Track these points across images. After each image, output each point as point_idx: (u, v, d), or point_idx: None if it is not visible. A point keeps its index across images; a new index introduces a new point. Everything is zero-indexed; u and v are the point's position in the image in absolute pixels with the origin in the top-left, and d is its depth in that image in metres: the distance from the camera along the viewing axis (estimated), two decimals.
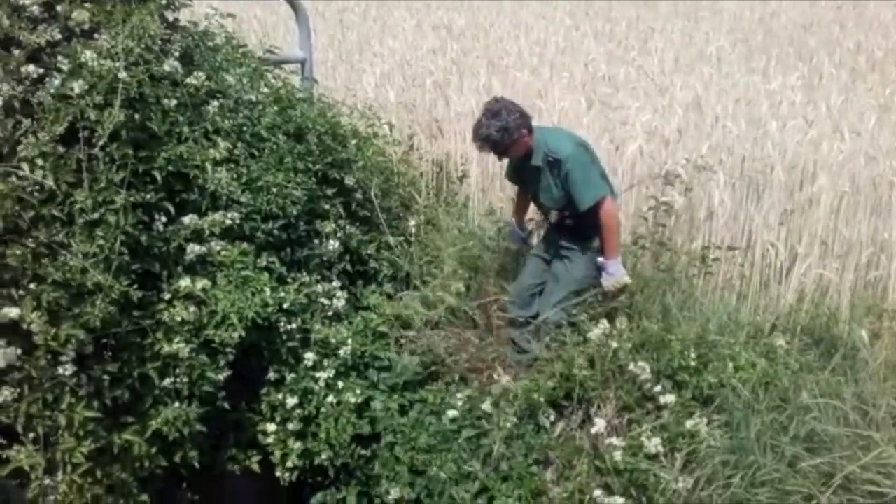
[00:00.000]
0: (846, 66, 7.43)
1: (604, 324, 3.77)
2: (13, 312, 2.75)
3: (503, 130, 3.52)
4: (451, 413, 3.83)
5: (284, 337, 3.77)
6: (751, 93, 5.99)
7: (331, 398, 3.78)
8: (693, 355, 3.64)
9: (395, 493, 3.68)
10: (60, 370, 2.89)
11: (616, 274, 3.74)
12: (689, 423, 3.45)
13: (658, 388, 3.59)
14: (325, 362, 3.82)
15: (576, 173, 3.56)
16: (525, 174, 3.86)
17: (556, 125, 4.38)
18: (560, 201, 3.75)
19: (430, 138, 5.53)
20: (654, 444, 3.41)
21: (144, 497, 3.21)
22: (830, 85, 6.31)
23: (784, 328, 4.01)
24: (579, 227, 3.80)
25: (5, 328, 2.77)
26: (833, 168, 4.40)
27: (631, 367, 3.60)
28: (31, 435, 2.86)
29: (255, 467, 3.79)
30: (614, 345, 3.67)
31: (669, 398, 3.55)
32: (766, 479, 3.10)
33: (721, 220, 4.41)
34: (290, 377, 3.80)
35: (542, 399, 3.71)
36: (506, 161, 3.98)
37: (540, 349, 3.91)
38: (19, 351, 2.79)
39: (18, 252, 2.86)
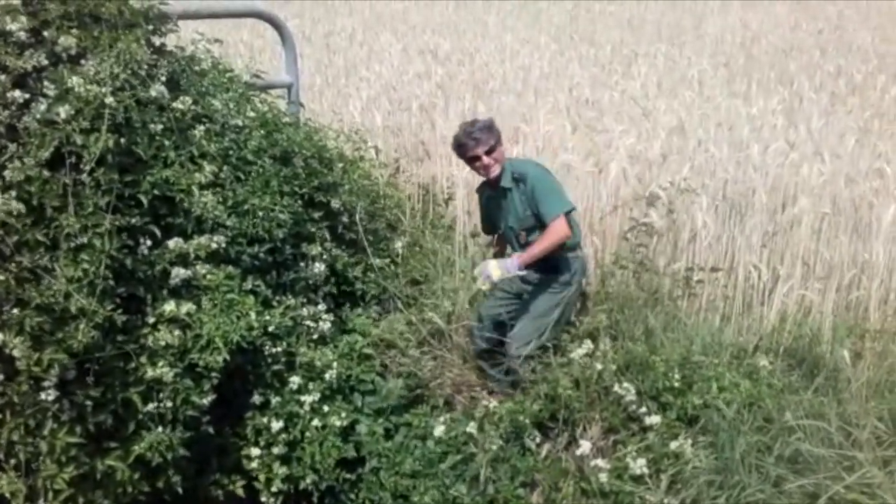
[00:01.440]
0: (826, 89, 7.56)
1: (587, 344, 3.78)
2: None
3: (486, 129, 3.80)
4: (437, 433, 3.82)
5: (269, 360, 3.75)
6: (732, 116, 6.07)
7: (316, 422, 3.75)
8: (677, 376, 3.66)
9: None
10: (43, 395, 2.86)
11: (501, 269, 3.76)
12: (673, 444, 3.47)
13: (643, 410, 3.61)
14: (311, 385, 3.80)
15: (540, 186, 3.75)
16: (494, 206, 4.05)
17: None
18: (525, 221, 3.89)
19: (416, 161, 5.57)
20: (639, 466, 3.42)
21: None
22: (811, 108, 6.41)
23: (767, 349, 4.05)
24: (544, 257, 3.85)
25: None
26: (814, 190, 4.46)
27: (616, 388, 3.62)
28: (13, 461, 2.83)
29: (240, 492, 3.75)
30: (598, 366, 3.68)
31: (654, 419, 3.56)
32: (751, 500, 3.11)
33: (704, 241, 4.46)
34: (275, 401, 3.77)
35: (527, 421, 3.71)
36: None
37: (522, 373, 3.91)
38: (1, 376, 2.77)
39: (1, 277, 2.84)
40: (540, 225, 3.81)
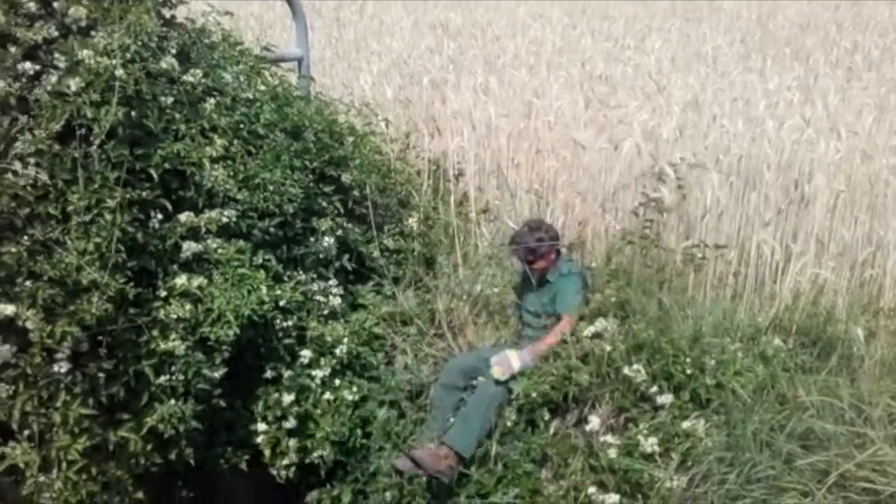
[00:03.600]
0: (843, 65, 7.43)
1: (599, 323, 3.76)
2: (8, 310, 2.75)
3: (540, 241, 3.94)
4: None
5: (280, 334, 3.77)
6: (748, 92, 5.98)
7: (327, 395, 3.77)
8: (689, 360, 3.63)
9: (390, 494, 3.68)
10: (56, 367, 2.89)
11: (520, 361, 3.80)
12: (685, 424, 3.45)
13: (654, 390, 3.58)
14: (322, 360, 3.81)
15: (566, 286, 3.96)
16: (529, 289, 4.10)
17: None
18: (545, 306, 4.01)
19: (427, 136, 5.51)
20: (650, 444, 3.41)
21: (139, 494, 3.21)
22: (827, 84, 6.30)
23: (779, 327, 4.01)
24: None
25: (0, 325, 2.76)
26: (830, 167, 4.40)
27: (626, 370, 3.59)
28: (26, 432, 2.86)
29: (244, 466, 3.80)
30: (607, 347, 3.66)
31: (666, 398, 3.54)
32: (761, 476, 3.11)
33: (716, 218, 4.41)
34: (286, 374, 3.79)
35: (539, 400, 3.70)
36: None
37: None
38: (14, 348, 2.79)
39: (14, 250, 2.85)
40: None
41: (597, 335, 3.75)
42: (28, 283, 2.88)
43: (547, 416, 3.74)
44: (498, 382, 3.75)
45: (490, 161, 5.05)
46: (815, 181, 4.29)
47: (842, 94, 5.79)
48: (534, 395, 3.67)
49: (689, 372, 3.58)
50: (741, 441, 3.23)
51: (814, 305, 4.03)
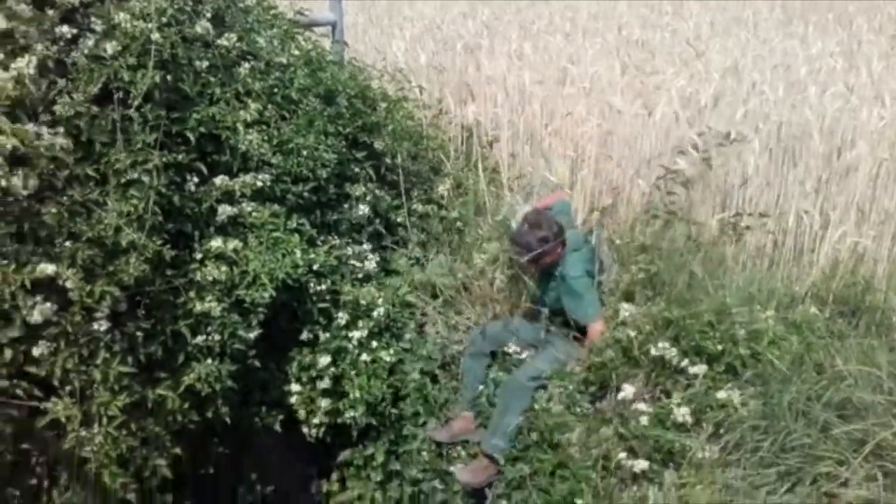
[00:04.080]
0: (886, 32, 7.21)
1: (624, 309, 3.72)
2: (49, 269, 2.79)
3: (543, 241, 3.69)
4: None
5: (314, 298, 3.80)
6: (789, 58, 5.84)
7: (364, 356, 3.82)
8: (718, 332, 3.59)
9: (424, 455, 3.72)
10: (95, 326, 2.94)
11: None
12: (719, 394, 3.43)
13: (685, 363, 3.55)
14: (360, 322, 3.85)
15: (573, 290, 3.75)
16: (543, 278, 3.97)
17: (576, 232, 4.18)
18: (557, 304, 3.87)
19: (459, 103, 5.48)
20: (682, 413, 3.39)
21: (177, 450, 3.27)
22: (871, 51, 6.13)
23: (816, 296, 3.95)
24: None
25: (41, 284, 2.82)
26: (873, 135, 4.30)
27: (652, 351, 3.56)
28: (68, 388, 2.91)
29: (278, 426, 3.86)
30: (631, 333, 3.64)
31: (699, 369, 3.51)
32: (796, 445, 3.09)
33: (754, 187, 4.34)
34: (323, 336, 3.84)
35: (571, 387, 3.70)
36: None
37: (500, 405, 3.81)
38: (55, 307, 2.84)
39: (54, 210, 2.89)
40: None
41: (622, 323, 3.72)
42: (68, 243, 2.92)
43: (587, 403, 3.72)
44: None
45: (524, 128, 5.01)
46: (857, 149, 4.19)
47: (886, 60, 5.63)
48: (571, 387, 3.67)
49: (720, 346, 3.54)
50: (777, 410, 3.20)
51: (852, 274, 3.96)
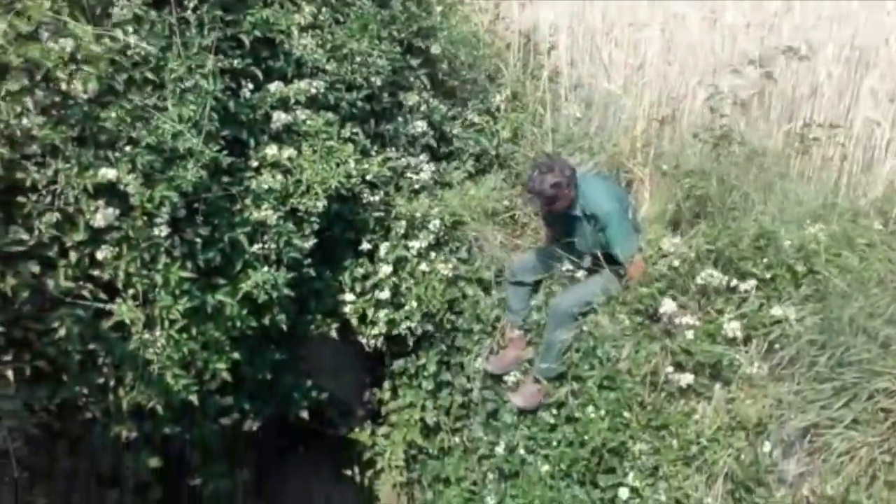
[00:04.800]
0: None
1: (666, 242, 3.62)
2: (110, 174, 2.81)
3: (556, 187, 3.56)
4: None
5: (368, 208, 3.78)
6: None
7: (423, 267, 3.82)
8: (770, 250, 3.48)
9: (477, 363, 3.76)
10: (156, 231, 2.98)
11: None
12: (775, 310, 3.36)
13: (735, 282, 3.47)
14: (420, 234, 3.85)
15: (613, 231, 3.61)
16: (559, 219, 3.80)
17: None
18: (595, 247, 3.72)
19: (518, 6, 5.24)
20: (732, 328, 3.34)
21: (236, 354, 3.35)
22: None
23: (881, 211, 3.80)
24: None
25: (103, 189, 2.85)
26: None
27: (698, 279, 3.47)
28: (131, 292, 2.98)
29: (334, 334, 3.93)
30: (675, 262, 3.54)
31: (749, 284, 3.43)
32: (853, 360, 3.05)
33: (824, 98, 4.13)
34: (383, 246, 3.85)
35: (619, 309, 3.65)
36: None
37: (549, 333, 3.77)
38: (117, 212, 2.88)
39: (113, 115, 2.89)
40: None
41: (664, 255, 3.62)
42: (128, 148, 2.94)
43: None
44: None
45: (584, 34, 4.80)
46: None
47: None
48: (622, 315, 3.62)
49: (767, 272, 3.44)
50: (836, 325, 3.14)
51: None
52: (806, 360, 3.22)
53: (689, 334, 3.38)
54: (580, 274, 3.82)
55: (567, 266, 3.81)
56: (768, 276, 3.43)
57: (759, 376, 3.30)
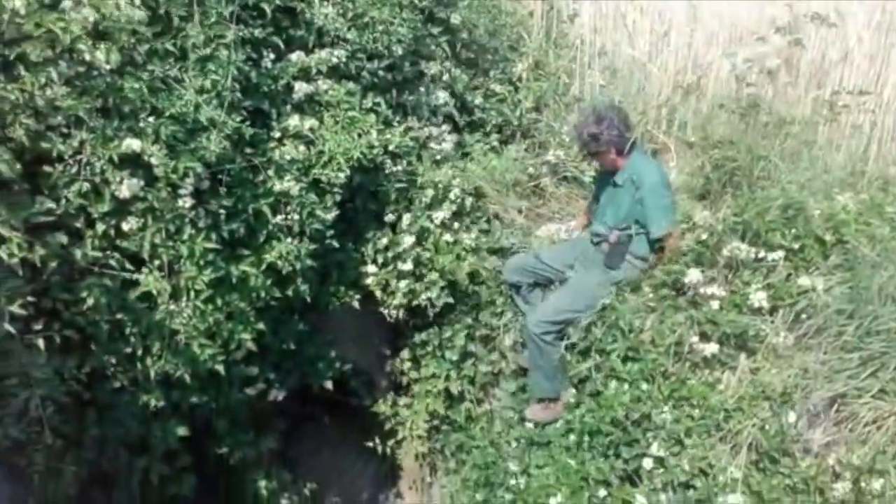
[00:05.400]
0: None
1: (697, 213, 3.57)
2: (135, 144, 2.82)
3: (592, 138, 3.51)
4: None
5: (391, 178, 3.77)
6: None
7: (447, 237, 3.82)
8: (798, 220, 3.43)
9: (509, 339, 3.76)
10: (180, 202, 2.99)
11: None
12: (802, 280, 3.32)
13: (762, 253, 3.42)
14: (444, 205, 3.84)
15: (652, 201, 3.52)
16: (604, 184, 3.75)
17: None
18: (625, 219, 3.61)
19: None
20: (758, 298, 3.31)
21: (261, 325, 3.37)
22: None
23: None
24: (620, 247, 3.62)
25: (128, 160, 2.85)
26: None
27: (725, 251, 3.43)
28: (156, 262, 3.00)
29: (356, 305, 3.94)
30: (703, 235, 3.50)
31: (777, 255, 3.39)
32: (881, 329, 3.02)
33: (854, 65, 4.05)
34: (405, 217, 3.84)
35: (646, 288, 3.62)
36: None
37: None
38: (142, 182, 2.88)
39: (136, 85, 2.89)
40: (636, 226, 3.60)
41: (690, 229, 3.58)
42: (151, 118, 2.94)
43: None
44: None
45: (606, 4, 4.73)
46: None
47: None
48: (646, 288, 3.59)
49: (795, 243, 3.39)
50: (864, 294, 3.10)
51: None
52: (833, 329, 3.19)
53: (715, 305, 3.36)
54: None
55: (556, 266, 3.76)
56: (796, 246, 3.38)
57: (786, 346, 3.27)
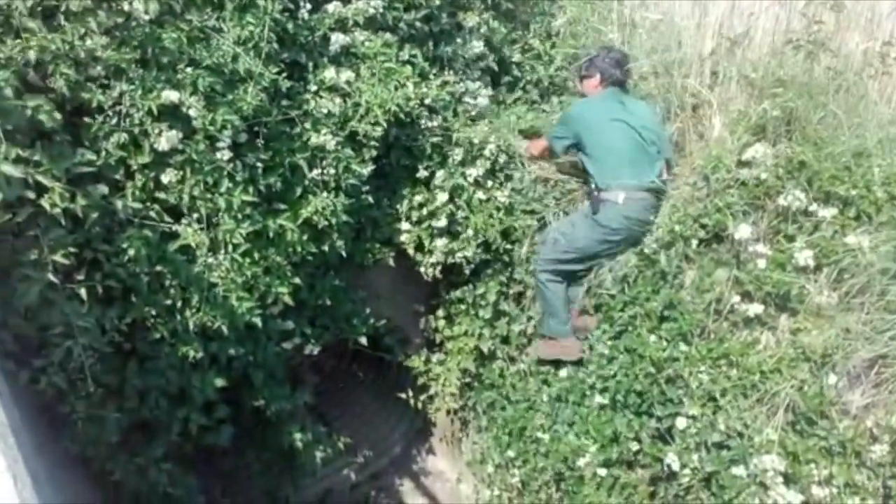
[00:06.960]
0: None
1: (753, 149, 3.47)
2: (173, 96, 2.81)
3: (589, 60, 3.80)
4: None
5: (427, 133, 3.73)
6: None
7: (480, 195, 3.78)
8: (860, 171, 3.33)
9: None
10: (218, 155, 2.98)
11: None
12: (848, 238, 3.24)
13: (814, 207, 3.34)
14: (478, 161, 3.79)
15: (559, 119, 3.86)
16: None
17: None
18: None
19: None
20: (804, 257, 3.23)
21: (297, 279, 3.38)
22: None
23: None
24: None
25: (166, 112, 2.85)
26: None
27: (781, 200, 3.34)
28: (195, 215, 3.00)
29: (391, 262, 3.94)
30: (763, 175, 3.40)
31: (828, 212, 3.31)
32: None
33: None
34: (439, 173, 3.80)
35: (685, 233, 3.54)
36: None
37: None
38: (180, 134, 2.88)
39: (174, 35, 2.87)
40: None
41: (745, 163, 3.48)
42: (189, 69, 2.92)
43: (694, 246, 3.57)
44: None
45: None
46: None
47: None
48: (677, 228, 3.51)
49: (853, 191, 3.30)
50: None
51: None
52: (877, 288, 3.12)
53: (762, 263, 3.29)
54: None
55: None
56: (854, 194, 3.29)
57: (828, 305, 3.21)
